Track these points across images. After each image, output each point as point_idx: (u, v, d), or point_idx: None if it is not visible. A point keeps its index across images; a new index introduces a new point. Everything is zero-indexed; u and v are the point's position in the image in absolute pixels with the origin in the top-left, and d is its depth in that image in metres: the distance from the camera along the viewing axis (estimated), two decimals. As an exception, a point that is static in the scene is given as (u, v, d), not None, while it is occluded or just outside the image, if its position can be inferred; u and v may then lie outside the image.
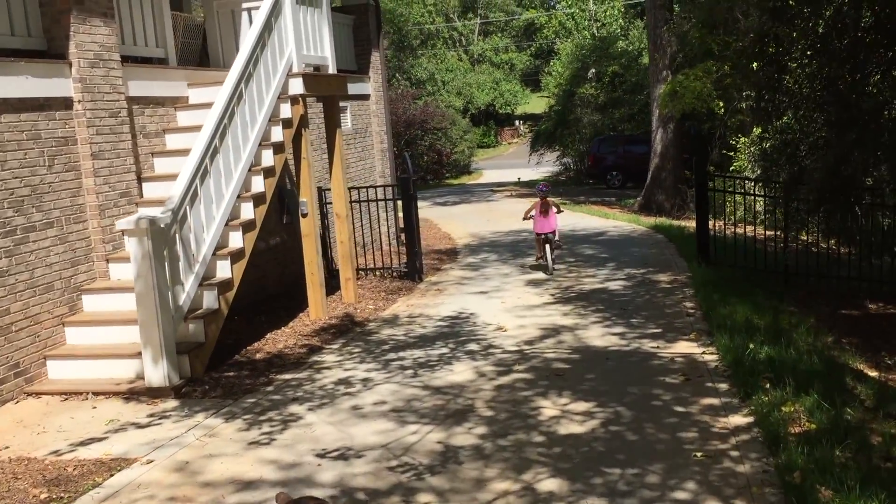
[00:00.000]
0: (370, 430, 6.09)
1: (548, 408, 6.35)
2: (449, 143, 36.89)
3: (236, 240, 8.47)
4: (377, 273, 12.56)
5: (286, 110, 9.50)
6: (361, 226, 13.30)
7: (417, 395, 6.87)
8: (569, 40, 46.43)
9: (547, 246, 12.12)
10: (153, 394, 7.14)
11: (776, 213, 13.47)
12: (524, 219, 12.65)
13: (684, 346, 7.98)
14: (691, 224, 14.94)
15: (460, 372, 7.49)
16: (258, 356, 8.40)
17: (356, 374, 7.64)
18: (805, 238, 13.27)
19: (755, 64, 12.62)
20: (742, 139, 18.50)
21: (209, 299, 7.94)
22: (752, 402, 6.06)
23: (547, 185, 13.87)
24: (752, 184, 14.45)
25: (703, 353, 7.68)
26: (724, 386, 6.63)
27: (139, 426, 6.45)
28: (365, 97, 14.97)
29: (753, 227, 13.28)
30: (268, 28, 9.20)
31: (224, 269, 8.21)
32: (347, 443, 5.86)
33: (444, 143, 36.41)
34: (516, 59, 60.73)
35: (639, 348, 8.02)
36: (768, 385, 6.37)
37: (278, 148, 9.27)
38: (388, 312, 10.33)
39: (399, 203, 12.55)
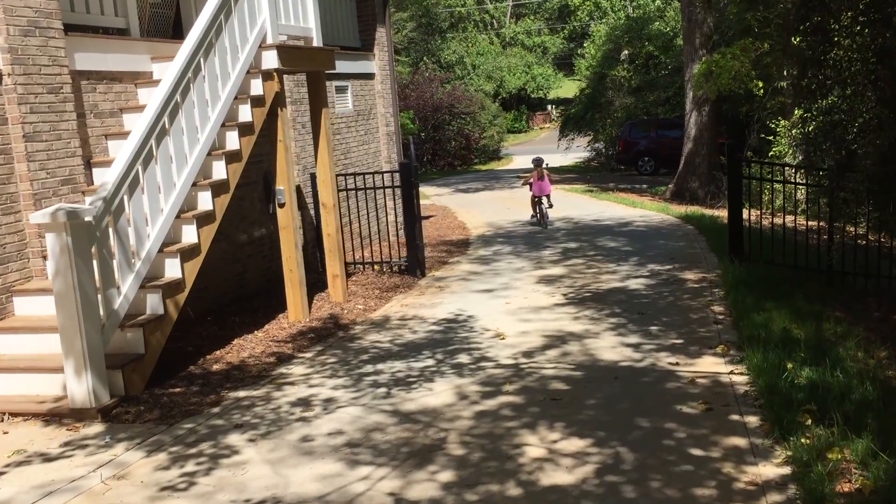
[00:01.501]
0: (312, 472, 4.96)
1: (533, 445, 5.16)
2: (477, 127, 35.73)
3: (190, 234, 7.37)
4: (375, 267, 11.46)
5: (258, 87, 8.38)
6: (359, 216, 12.17)
7: (382, 423, 5.73)
8: (603, 22, 44.91)
9: (540, 207, 15.11)
10: (77, 416, 6.08)
11: (819, 202, 12.07)
12: (523, 184, 15.89)
13: (709, 363, 6.74)
14: (725, 214, 13.62)
15: (440, 392, 6.34)
16: (216, 367, 7.33)
17: (320, 392, 6.53)
18: (852, 231, 11.89)
19: (797, 38, 11.27)
20: (782, 122, 17.05)
21: (153, 303, 6.86)
22: (789, 446, 4.80)
23: (541, 158, 15.87)
24: (793, 170, 13.10)
25: (731, 372, 6.43)
26: (753, 420, 5.37)
27: (48, 458, 5.40)
28: (368, 76, 13.80)
29: (794, 218, 11.95)
30: (235, -8, 8.08)
31: (173, 269, 7.11)
32: (280, 490, 4.73)
33: (473, 128, 35.25)
34: (549, 43, 59.13)
35: (654, 364, 6.79)
36: (809, 421, 5.13)
37: (245, 129, 8.15)
38: (379, 314, 9.23)
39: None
